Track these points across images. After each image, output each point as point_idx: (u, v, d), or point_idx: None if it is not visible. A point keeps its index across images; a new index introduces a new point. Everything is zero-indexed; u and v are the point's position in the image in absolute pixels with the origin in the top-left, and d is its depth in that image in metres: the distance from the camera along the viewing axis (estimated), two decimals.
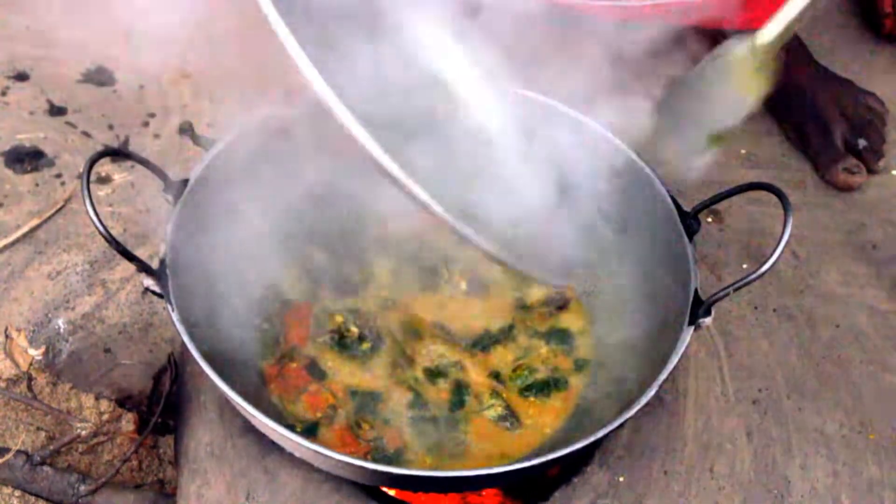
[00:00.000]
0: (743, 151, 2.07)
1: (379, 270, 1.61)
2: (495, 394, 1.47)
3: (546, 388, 1.49)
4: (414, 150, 1.40)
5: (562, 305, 1.58)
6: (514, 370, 1.51)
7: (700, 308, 1.30)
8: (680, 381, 1.58)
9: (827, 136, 2.03)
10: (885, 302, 1.77)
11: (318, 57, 1.20)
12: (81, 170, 1.25)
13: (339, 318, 1.53)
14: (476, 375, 1.49)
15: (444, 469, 1.36)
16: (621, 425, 1.23)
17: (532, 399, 1.48)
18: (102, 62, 2.19)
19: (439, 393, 1.47)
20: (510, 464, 1.24)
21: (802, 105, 2.08)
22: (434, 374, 1.49)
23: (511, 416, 1.45)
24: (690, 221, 1.41)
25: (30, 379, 1.54)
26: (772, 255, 1.22)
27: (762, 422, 1.56)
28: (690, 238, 1.39)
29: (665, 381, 1.25)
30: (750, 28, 2.05)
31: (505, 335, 1.55)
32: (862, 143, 2.03)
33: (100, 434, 1.58)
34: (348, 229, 1.65)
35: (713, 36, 2.14)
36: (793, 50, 2.16)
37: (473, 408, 1.46)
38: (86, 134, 2.02)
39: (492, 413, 1.45)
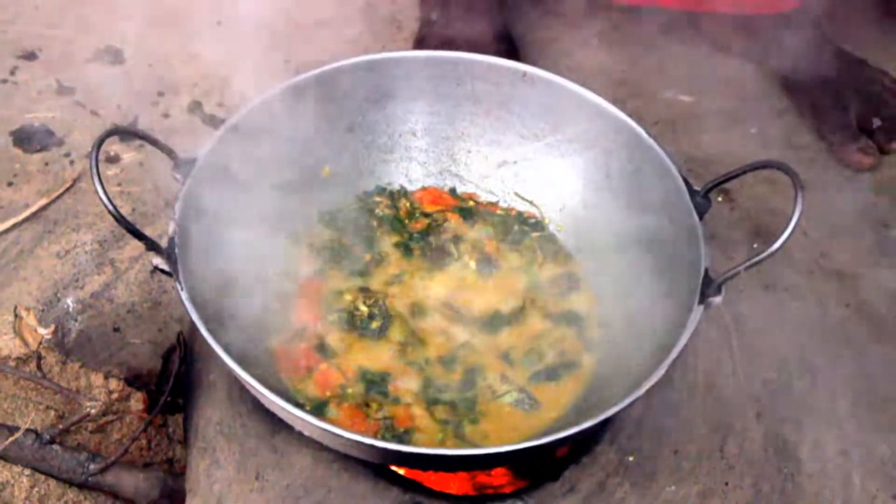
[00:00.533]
0: (753, 130, 2.06)
1: (388, 249, 1.61)
2: (506, 378, 1.47)
3: (556, 370, 1.48)
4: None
5: (572, 285, 1.58)
6: (525, 352, 1.50)
7: (710, 287, 1.30)
8: (690, 361, 1.58)
9: (842, 115, 2.02)
10: None
11: None
12: (90, 149, 1.24)
13: (348, 297, 1.53)
14: (486, 357, 1.49)
15: (452, 448, 1.36)
16: (630, 405, 1.23)
17: (543, 381, 1.48)
18: (111, 42, 2.19)
19: (450, 374, 1.47)
20: (518, 443, 1.23)
21: (817, 84, 2.07)
22: (445, 358, 1.49)
23: (528, 399, 1.44)
24: (701, 200, 1.40)
25: (39, 358, 1.54)
26: (782, 233, 1.21)
27: (772, 401, 1.56)
28: (701, 217, 1.38)
29: (675, 360, 1.25)
30: (775, 9, 2.06)
31: (515, 316, 1.54)
32: (876, 122, 2.02)
33: (109, 413, 1.58)
34: (358, 208, 1.65)
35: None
36: (808, 29, 2.15)
37: (485, 391, 1.46)
38: (94, 113, 2.01)
39: (508, 398, 1.45)
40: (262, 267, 1.54)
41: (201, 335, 1.24)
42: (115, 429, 1.59)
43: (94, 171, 1.21)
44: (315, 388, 1.44)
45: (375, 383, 1.44)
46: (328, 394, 1.43)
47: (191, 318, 1.25)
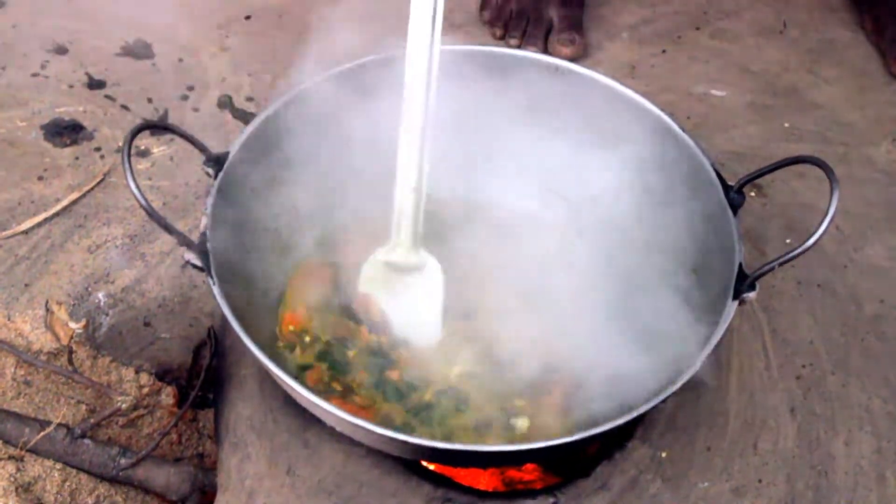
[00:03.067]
0: (786, 125, 2.05)
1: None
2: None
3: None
4: None
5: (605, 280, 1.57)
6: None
7: (744, 283, 1.29)
8: (723, 357, 1.57)
9: None
10: None
11: None
12: (120, 143, 1.24)
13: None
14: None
15: (484, 444, 1.36)
16: (663, 401, 1.22)
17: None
18: (141, 35, 2.19)
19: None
20: (550, 439, 1.23)
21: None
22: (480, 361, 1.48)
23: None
24: (734, 195, 1.39)
25: (70, 352, 1.54)
26: (818, 229, 1.20)
27: (806, 398, 1.55)
28: (735, 212, 1.38)
29: (708, 356, 1.24)
30: None
31: (544, 310, 1.53)
32: None
33: (139, 407, 1.58)
34: (390, 208, 1.65)
35: None
36: None
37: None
38: (125, 107, 2.01)
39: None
40: (293, 262, 1.54)
41: (232, 330, 1.23)
42: (146, 423, 1.60)
43: (127, 165, 1.20)
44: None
45: (410, 380, 1.44)
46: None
47: (222, 313, 1.25)
